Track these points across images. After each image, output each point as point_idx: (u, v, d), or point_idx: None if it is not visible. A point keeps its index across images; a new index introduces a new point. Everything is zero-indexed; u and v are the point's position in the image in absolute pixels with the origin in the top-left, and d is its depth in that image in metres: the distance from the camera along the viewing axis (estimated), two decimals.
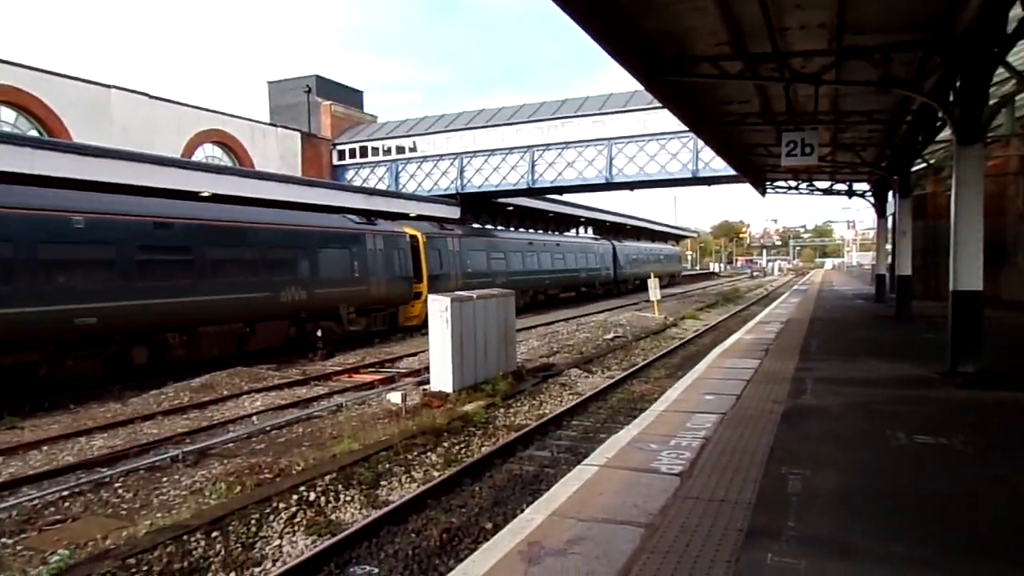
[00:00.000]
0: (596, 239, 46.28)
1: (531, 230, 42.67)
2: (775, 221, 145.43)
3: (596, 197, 46.74)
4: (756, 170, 23.16)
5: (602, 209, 54.88)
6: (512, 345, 13.66)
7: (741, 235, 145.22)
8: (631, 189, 31.96)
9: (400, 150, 34.81)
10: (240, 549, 5.97)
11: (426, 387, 11.91)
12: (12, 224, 12.09)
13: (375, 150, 35.59)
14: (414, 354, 17.63)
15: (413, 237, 23.67)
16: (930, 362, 9.93)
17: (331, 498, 7.11)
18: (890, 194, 23.14)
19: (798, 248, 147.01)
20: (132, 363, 14.17)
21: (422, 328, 15.01)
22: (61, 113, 23.35)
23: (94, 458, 8.79)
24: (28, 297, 12.17)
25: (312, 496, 7.05)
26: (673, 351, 17.85)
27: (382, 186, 34.09)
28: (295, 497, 6.96)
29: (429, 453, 8.76)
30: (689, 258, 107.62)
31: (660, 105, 13.40)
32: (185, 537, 5.96)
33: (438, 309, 11.58)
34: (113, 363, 13.92)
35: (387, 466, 8.12)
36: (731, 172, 23.94)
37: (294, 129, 35.28)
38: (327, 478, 7.48)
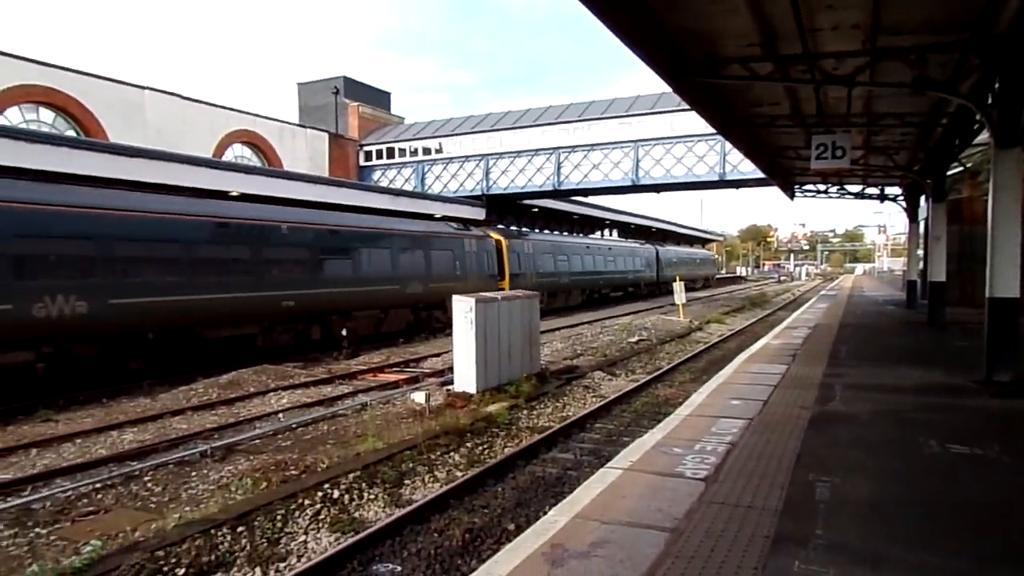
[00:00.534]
0: (641, 244, 49.03)
1: (581, 234, 44.94)
2: (803, 225, 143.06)
3: (621, 199, 46.56)
4: (785, 173, 22.85)
5: (628, 212, 54.65)
6: (536, 347, 13.65)
7: (768, 239, 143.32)
8: (657, 192, 31.74)
9: (426, 151, 35.01)
10: (265, 544, 6.05)
11: (450, 387, 11.94)
12: (249, 231, 16.29)
13: (402, 151, 35.84)
14: (438, 354, 17.70)
15: (498, 241, 27.56)
16: (964, 370, 9.70)
17: (355, 496, 7.16)
18: (923, 198, 22.68)
19: (827, 253, 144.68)
20: (310, 338, 18.10)
21: (447, 328, 16.03)
22: (98, 114, 23.90)
23: (125, 452, 8.97)
24: (256, 285, 16.20)
25: (336, 493, 7.11)
26: (698, 355, 17.68)
27: (408, 187, 34.32)
28: (320, 494, 7.02)
29: (452, 453, 8.79)
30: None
31: (688, 107, 13.30)
32: (212, 531, 6.05)
33: (462, 310, 11.62)
34: (299, 337, 17.85)
35: (410, 465, 8.15)
36: (759, 175, 23.65)
37: (322, 130, 35.68)
38: (351, 476, 7.54)
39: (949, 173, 17.88)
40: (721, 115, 13.66)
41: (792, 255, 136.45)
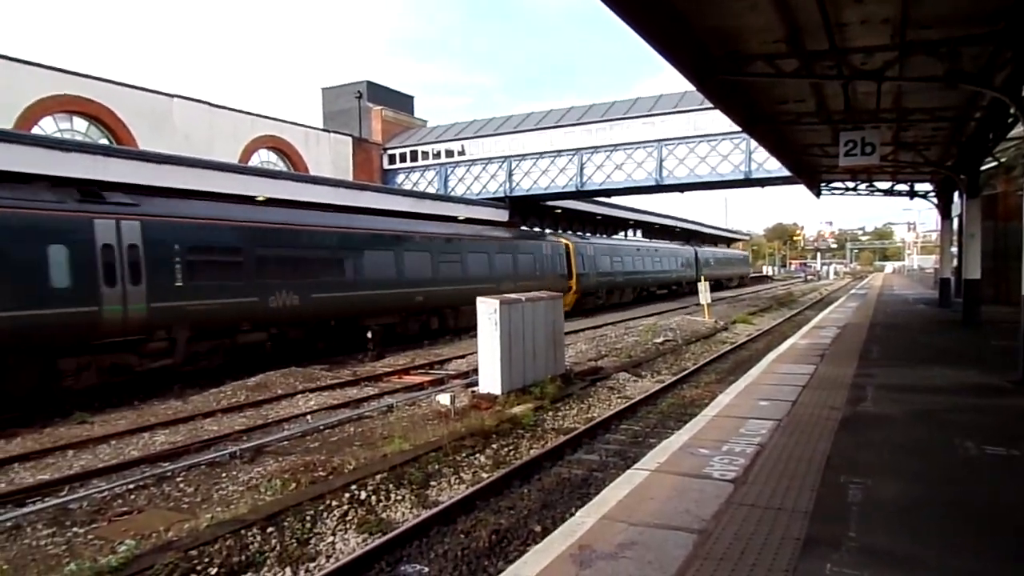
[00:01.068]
0: (681, 245, 53.36)
1: (624, 236, 48.97)
2: (830, 223, 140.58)
3: (645, 199, 46.44)
4: (811, 171, 22.51)
5: (651, 212, 54.28)
6: (560, 348, 13.62)
7: (795, 237, 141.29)
8: (681, 191, 31.45)
9: (449, 154, 35.14)
10: (295, 544, 6.12)
11: (475, 389, 11.97)
12: (392, 240, 20.50)
13: (424, 154, 36.03)
14: (462, 356, 17.76)
15: (567, 245, 31.44)
16: (1001, 370, 9.48)
17: (382, 497, 7.21)
18: (955, 195, 22.20)
19: (855, 251, 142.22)
20: (430, 327, 21.98)
21: (471, 330, 16.42)
22: (128, 122, 24.41)
23: (157, 453, 9.15)
24: (399, 283, 20.25)
25: (364, 495, 7.17)
26: (724, 356, 17.49)
27: (431, 190, 34.49)
28: (347, 495, 7.09)
29: (478, 455, 8.81)
30: None
31: (711, 106, 13.17)
32: (243, 531, 6.14)
33: (487, 311, 11.64)
34: (423, 326, 21.73)
35: (436, 467, 8.19)
36: (785, 173, 23.32)
37: (346, 134, 36.02)
38: (378, 477, 7.59)
39: (983, 168, 17.46)
40: (745, 113, 13.51)
41: (819, 254, 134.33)
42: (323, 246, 18.00)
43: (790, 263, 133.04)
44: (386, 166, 37.38)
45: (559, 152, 31.26)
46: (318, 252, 17.78)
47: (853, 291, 41.24)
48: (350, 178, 33.33)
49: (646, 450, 6.91)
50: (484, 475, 8.05)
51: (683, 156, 28.73)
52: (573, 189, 31.27)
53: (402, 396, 12.77)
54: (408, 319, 20.93)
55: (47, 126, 22.44)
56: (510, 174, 32.67)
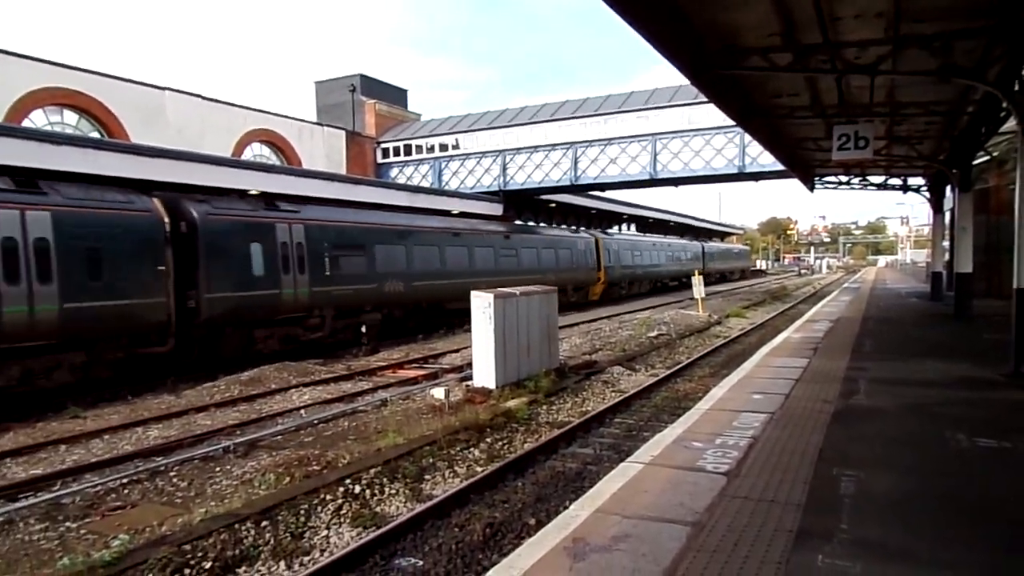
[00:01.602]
0: (691, 240, 58.09)
1: (641, 232, 52.51)
2: (823, 217, 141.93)
3: (639, 193, 46.59)
4: (805, 165, 22.54)
5: (646, 206, 54.28)
6: (555, 342, 13.64)
7: (789, 232, 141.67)
8: (675, 185, 31.45)
9: (443, 148, 35.02)
10: (289, 538, 6.12)
11: (469, 383, 11.98)
12: (466, 236, 24.51)
13: (419, 148, 35.89)
14: (457, 350, 17.76)
15: (596, 240, 35.08)
16: (992, 363, 9.54)
17: (376, 491, 7.22)
18: (948, 189, 22.28)
19: (848, 245, 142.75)
20: None
21: (464, 324, 16.77)
22: (120, 115, 24.21)
23: (151, 447, 9.13)
24: (470, 273, 23.43)
25: (358, 489, 7.17)
26: (718, 349, 17.55)
27: (425, 184, 34.38)
28: (341, 489, 7.09)
29: (472, 448, 8.82)
30: None
31: (706, 100, 13.16)
32: (237, 525, 6.14)
33: (481, 305, 11.64)
34: None
35: (431, 460, 8.20)
36: (779, 167, 23.36)
37: (339, 128, 35.86)
38: (372, 471, 7.60)
39: (975, 162, 17.52)
40: (740, 107, 13.51)
41: (813, 248, 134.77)
42: (420, 243, 21.98)
43: (784, 257, 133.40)
44: (380, 160, 37.22)
45: (553, 146, 31.20)
46: (416, 248, 21.66)
47: (846, 285, 41.41)
48: (344, 172, 33.20)
49: (640, 443, 6.93)
50: (478, 469, 8.06)
51: (677, 150, 28.71)
52: (567, 183, 31.21)
53: (396, 390, 12.76)
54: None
55: (37, 119, 22.24)
56: (504, 168, 32.59)
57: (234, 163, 22.59)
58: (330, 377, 14.27)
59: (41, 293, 12.02)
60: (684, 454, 5.67)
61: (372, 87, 39.94)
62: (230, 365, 14.93)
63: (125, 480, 7.79)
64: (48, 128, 21.61)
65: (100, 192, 13.69)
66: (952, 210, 19.85)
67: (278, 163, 31.28)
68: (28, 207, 12.07)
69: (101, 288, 12.88)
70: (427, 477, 7.79)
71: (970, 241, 16.86)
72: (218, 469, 8.22)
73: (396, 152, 36.75)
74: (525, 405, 10.75)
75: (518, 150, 32.25)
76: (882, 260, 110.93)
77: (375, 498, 7.10)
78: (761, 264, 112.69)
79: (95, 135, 23.17)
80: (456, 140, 34.56)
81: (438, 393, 10.99)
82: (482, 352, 11.71)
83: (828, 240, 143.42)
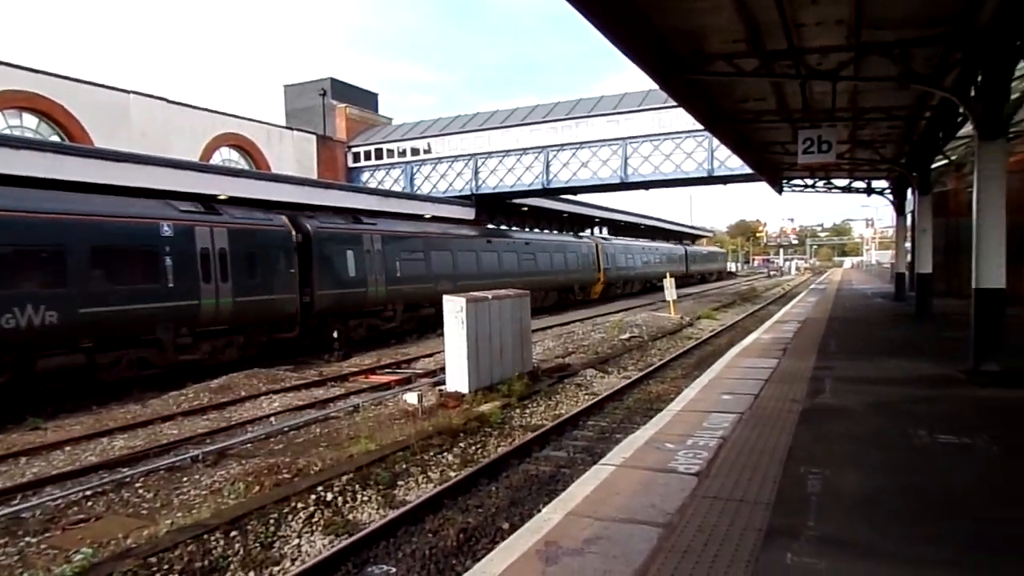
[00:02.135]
0: (675, 244, 62.68)
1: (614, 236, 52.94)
2: (792, 220, 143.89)
3: (610, 197, 47.19)
4: (772, 168, 22.95)
5: (617, 209, 54.71)
6: (528, 346, 13.66)
7: (757, 234, 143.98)
8: (646, 189, 31.77)
9: (415, 152, 34.90)
10: (259, 548, 6.02)
11: (442, 388, 11.93)
12: (498, 241, 28.66)
13: (390, 152, 35.72)
14: (430, 355, 17.69)
15: (596, 244, 38.84)
16: (952, 361, 9.79)
17: (348, 498, 7.14)
18: (909, 191, 22.84)
19: (815, 247, 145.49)
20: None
21: (437, 329, 17.18)
22: (82, 118, 23.67)
23: (115, 458, 8.91)
24: (500, 274, 26.85)
25: (330, 496, 7.09)
26: (689, 351, 17.74)
27: (397, 188, 34.22)
28: (313, 497, 7.00)
29: (445, 453, 8.78)
30: None
31: (675, 104, 13.32)
32: (205, 536, 6.03)
33: (453, 309, 11.61)
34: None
35: (404, 466, 8.14)
36: (747, 171, 23.74)
37: (309, 132, 35.52)
38: (344, 478, 7.52)
39: (934, 166, 18.02)
40: (708, 111, 13.71)
41: (781, 250, 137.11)
42: (462, 249, 25.46)
43: (753, 259, 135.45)
44: (351, 164, 36.97)
45: (525, 150, 31.30)
46: (459, 253, 25.17)
47: (813, 286, 42.20)
48: (315, 176, 32.88)
49: (613, 445, 6.96)
50: (452, 474, 8.03)
51: (648, 154, 29.01)
52: (539, 187, 31.33)
53: (369, 396, 12.65)
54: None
55: None
56: (476, 172, 32.60)
57: (200, 167, 22.19)
58: (301, 383, 14.10)
59: (223, 290, 15.45)
60: (656, 455, 5.72)
61: (342, 91, 39.67)
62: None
63: (88, 492, 7.59)
64: (7, 132, 21.01)
65: (251, 212, 17.44)
66: (913, 212, 20.37)
67: (246, 167, 30.85)
68: (214, 225, 15.48)
69: (257, 286, 16.39)
70: (400, 483, 7.74)
71: (930, 242, 17.33)
72: (186, 479, 8.07)
73: (367, 156, 36.53)
74: (498, 409, 10.74)
75: (490, 154, 32.29)
76: (848, 261, 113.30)
77: (347, 505, 7.03)
78: (731, 266, 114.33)
79: (55, 139, 22.61)
80: (428, 144, 34.47)
81: (411, 398, 10.94)
82: (455, 356, 11.68)
83: (796, 242, 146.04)
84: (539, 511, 4.95)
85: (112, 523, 6.77)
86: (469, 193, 32.73)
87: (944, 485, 4.87)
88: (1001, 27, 8.21)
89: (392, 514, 6.58)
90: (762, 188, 29.27)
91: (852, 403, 7.53)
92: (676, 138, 28.31)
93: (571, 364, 15.30)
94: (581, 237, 39.29)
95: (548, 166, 30.73)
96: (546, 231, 40.91)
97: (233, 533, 6.16)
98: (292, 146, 33.93)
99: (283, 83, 43.85)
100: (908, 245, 25.64)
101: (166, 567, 5.53)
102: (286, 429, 10.31)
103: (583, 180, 30.40)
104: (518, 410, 11.13)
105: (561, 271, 33.75)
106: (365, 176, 36.43)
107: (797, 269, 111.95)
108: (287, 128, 34.91)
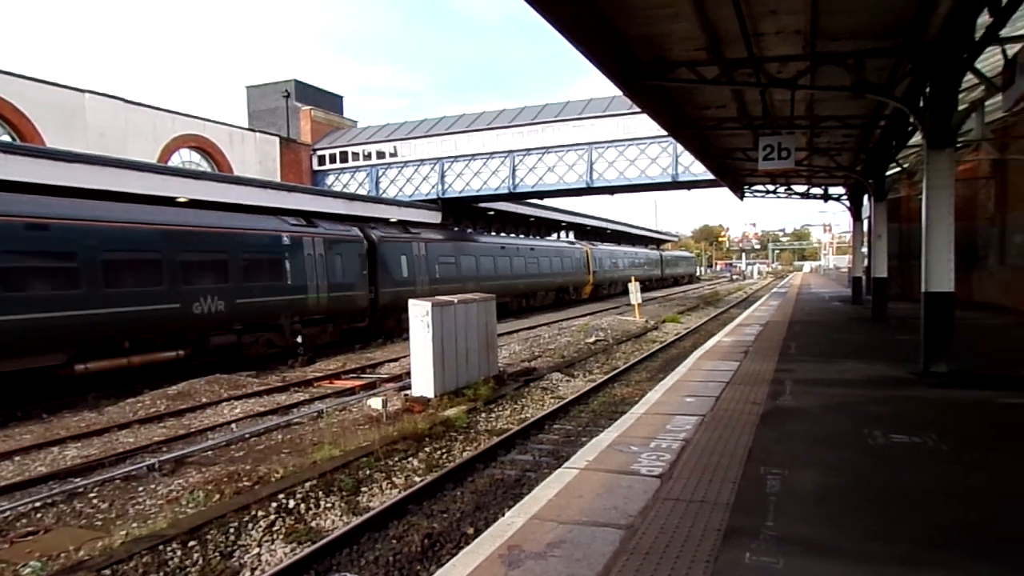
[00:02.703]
0: (653, 249, 69.71)
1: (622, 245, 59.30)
2: (754, 225, 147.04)
3: (576, 201, 47.85)
4: (734, 174, 23.41)
5: (583, 214, 55.16)
6: (494, 350, 13.65)
7: (721, 239, 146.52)
8: (611, 193, 32.11)
9: (380, 155, 34.66)
10: (218, 558, 5.90)
11: (407, 392, 11.86)
12: (512, 249, 32.80)
13: (355, 155, 35.41)
14: (395, 359, 17.56)
15: (587, 250, 43.45)
16: (905, 362, 10.10)
17: (311, 505, 7.04)
18: (865, 198, 23.52)
19: (777, 251, 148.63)
20: (522, 305, 33.82)
21: (404, 333, 17.37)
22: (34, 118, 22.92)
23: (67, 468, 8.63)
24: (515, 276, 32.19)
25: (292, 503, 6.98)
26: (654, 354, 17.94)
27: (362, 191, 33.92)
28: (274, 505, 6.88)
29: (411, 458, 8.72)
30: None
31: (640, 110, 13.50)
32: (161, 547, 5.87)
33: (419, 314, 11.55)
34: (520, 305, 33.53)
35: (368, 472, 8.06)
36: (710, 176, 24.15)
37: (273, 134, 34.99)
38: (307, 485, 7.41)
39: (888, 173, 18.58)
40: (671, 117, 13.93)
41: (744, 254, 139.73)
42: (482, 254, 29.74)
43: (716, 263, 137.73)
44: (316, 167, 36.53)
45: (491, 154, 31.34)
46: (481, 258, 29.40)
47: (775, 290, 43.06)
48: (278, 179, 32.39)
49: (578, 448, 6.99)
50: (417, 479, 7.98)
51: (613, 159, 29.31)
52: (505, 191, 31.41)
53: (333, 401, 12.49)
54: (515, 299, 32.74)
55: None
56: (442, 176, 32.52)
57: (162, 169, 21.69)
58: (264, 389, 13.86)
59: (321, 287, 19.28)
60: (619, 458, 5.77)
61: (307, 93, 39.22)
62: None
63: (39, 503, 7.34)
64: None
65: (334, 224, 21.27)
66: (870, 218, 20.97)
67: (208, 169, 30.26)
68: (314, 235, 19.46)
69: (342, 284, 20.21)
70: (364, 489, 7.66)
71: (885, 247, 17.86)
72: (142, 488, 7.85)
73: (332, 159, 36.15)
74: (464, 413, 10.71)
75: (456, 158, 32.24)
76: (807, 266, 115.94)
77: (310, 512, 6.93)
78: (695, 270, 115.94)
79: (7, 139, 21.86)
80: (394, 147, 34.28)
81: (375, 403, 10.84)
82: (420, 361, 11.62)
83: (759, 247, 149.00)
84: (504, 515, 4.95)
85: (63, 535, 6.55)
86: (435, 197, 32.63)
87: (896, 483, 5.01)
88: (948, 41, 8.52)
89: (355, 521, 6.51)
90: (725, 193, 29.91)
91: (810, 404, 7.71)
92: (641, 144, 28.66)
93: (537, 368, 15.35)
94: (574, 244, 43.52)
95: (514, 170, 30.83)
96: (546, 239, 45.27)
97: (191, 543, 6.02)
98: (255, 148, 33.39)
99: (245, 84, 43.02)
100: (864, 250, 26.38)
101: None
102: (247, 436, 10.12)
103: (549, 185, 30.57)
104: (484, 414, 11.11)
105: (559, 273, 38.15)
106: (330, 179, 36.04)
107: (759, 273, 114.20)
108: (249, 130, 34.34)
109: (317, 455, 8.62)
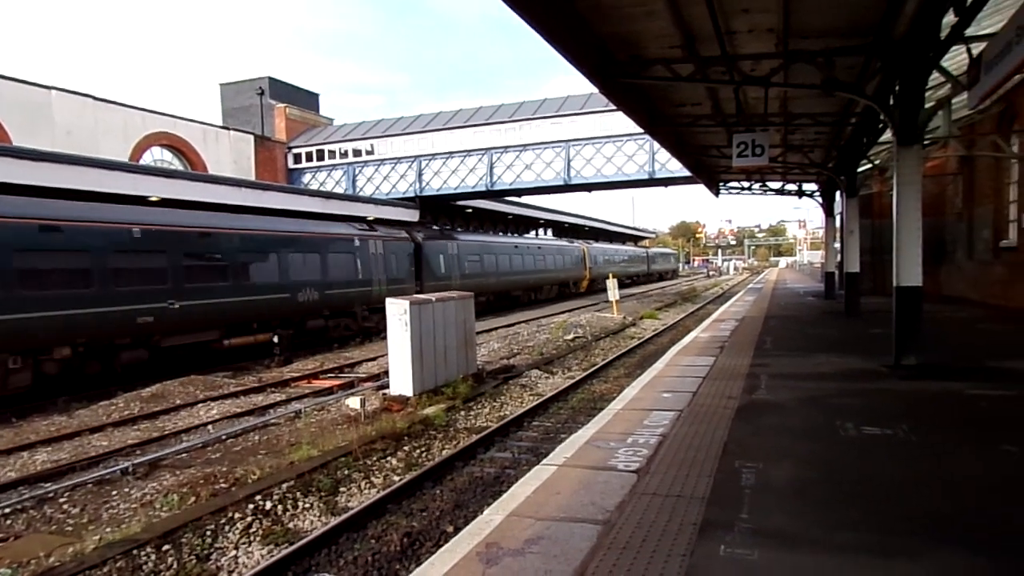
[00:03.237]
0: (640, 248, 75.00)
1: (611, 242, 63.35)
2: (730, 221, 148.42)
3: (554, 199, 48.10)
4: (710, 171, 23.61)
5: (561, 211, 55.29)
6: (472, 347, 13.64)
7: (697, 235, 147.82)
8: (589, 191, 32.23)
9: (357, 153, 34.42)
10: (194, 561, 5.83)
11: (386, 391, 11.81)
12: (523, 248, 37.27)
13: (331, 153, 35.13)
14: (373, 359, 17.47)
15: (584, 248, 47.78)
16: (877, 355, 10.28)
17: (289, 506, 6.99)
18: (838, 194, 23.87)
19: (753, 247, 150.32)
20: (530, 298, 37.87)
21: (382, 333, 17.15)
22: None
23: (37, 473, 8.46)
24: (526, 272, 36.79)
25: (269, 505, 6.92)
26: (632, 350, 18.06)
27: (339, 189, 33.67)
28: (251, 506, 6.83)
29: (389, 458, 8.69)
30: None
31: (616, 107, 13.56)
32: (135, 551, 5.80)
33: (396, 312, 11.50)
34: (530, 298, 38.07)
35: (346, 472, 8.02)
36: (686, 173, 24.34)
37: (247, 132, 34.57)
38: (284, 486, 7.36)
39: (860, 170, 18.88)
40: (647, 115, 14.00)
41: (720, 250, 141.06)
42: (500, 252, 33.25)
43: (693, 260, 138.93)
44: (291, 165, 36.19)
45: (469, 152, 31.30)
46: (499, 256, 33.06)
47: (751, 286, 43.58)
48: (253, 178, 32.02)
49: (556, 445, 7.02)
50: (396, 478, 7.96)
51: (590, 156, 29.43)
52: (483, 189, 31.39)
53: (310, 401, 12.40)
54: (526, 292, 37.01)
55: None
56: (420, 174, 32.40)
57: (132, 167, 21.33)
58: (240, 390, 13.71)
59: (382, 280, 23.14)
60: (597, 454, 5.80)
61: (281, 90, 38.80)
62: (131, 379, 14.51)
63: (8, 510, 7.19)
64: None
65: (389, 228, 25.47)
66: (842, 214, 21.28)
67: (181, 168, 29.80)
68: (376, 238, 23.46)
69: (397, 278, 23.99)
70: (343, 489, 7.62)
71: (857, 243, 18.14)
72: (115, 492, 7.73)
73: (308, 157, 35.83)
74: (443, 412, 10.70)
75: (434, 156, 32.15)
76: (783, 261, 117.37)
77: (288, 514, 6.88)
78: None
79: None
80: (371, 145, 34.07)
81: (353, 403, 10.77)
82: (399, 359, 11.57)
83: (735, 243, 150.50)
84: (483, 513, 4.96)
85: (33, 541, 6.43)
86: (413, 195, 32.50)
87: (868, 474, 5.10)
88: (916, 39, 8.68)
89: (334, 521, 6.48)
90: (701, 190, 30.09)
91: (785, 398, 7.82)
92: (618, 141, 28.82)
93: (516, 365, 15.37)
94: (573, 242, 47.63)
95: (492, 168, 30.82)
96: (548, 239, 48.43)
97: (166, 547, 5.95)
98: (229, 146, 32.96)
99: (219, 82, 42.41)
100: (837, 245, 26.78)
101: None
102: (224, 437, 10.01)
103: (527, 182, 30.61)
104: (463, 412, 11.11)
105: (562, 269, 42.66)
106: (306, 178, 35.73)
107: (736, 269, 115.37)
108: (223, 128, 33.88)
109: (295, 456, 8.56)
